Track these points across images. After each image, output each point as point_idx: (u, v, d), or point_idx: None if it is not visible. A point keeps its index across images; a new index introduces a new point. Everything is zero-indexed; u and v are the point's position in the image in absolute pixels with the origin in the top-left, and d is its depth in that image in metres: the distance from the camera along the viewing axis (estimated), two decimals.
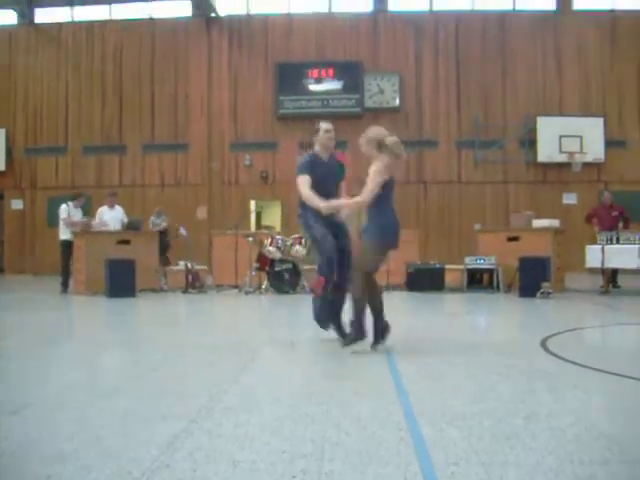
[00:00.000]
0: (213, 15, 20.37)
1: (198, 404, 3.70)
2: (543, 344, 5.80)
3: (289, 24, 20.53)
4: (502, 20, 20.25)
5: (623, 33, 20.09)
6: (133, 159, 20.61)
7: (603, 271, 11.92)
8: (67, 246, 12.36)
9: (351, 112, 19.73)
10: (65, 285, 12.39)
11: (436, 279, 12.19)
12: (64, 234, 12.48)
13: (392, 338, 5.59)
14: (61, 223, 12.54)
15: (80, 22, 21.10)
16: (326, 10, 20.74)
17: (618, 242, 11.45)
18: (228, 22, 20.69)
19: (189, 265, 12.48)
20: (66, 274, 12.45)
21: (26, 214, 21.08)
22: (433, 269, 12.31)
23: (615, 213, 12.81)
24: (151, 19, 20.90)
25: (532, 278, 10.82)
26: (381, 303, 5.59)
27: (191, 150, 20.50)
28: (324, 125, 6.10)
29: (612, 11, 20.30)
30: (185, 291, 12.16)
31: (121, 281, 11.19)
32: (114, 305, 10.19)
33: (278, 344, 6.19)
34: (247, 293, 11.83)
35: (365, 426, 3.25)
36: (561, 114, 19.80)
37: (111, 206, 12.96)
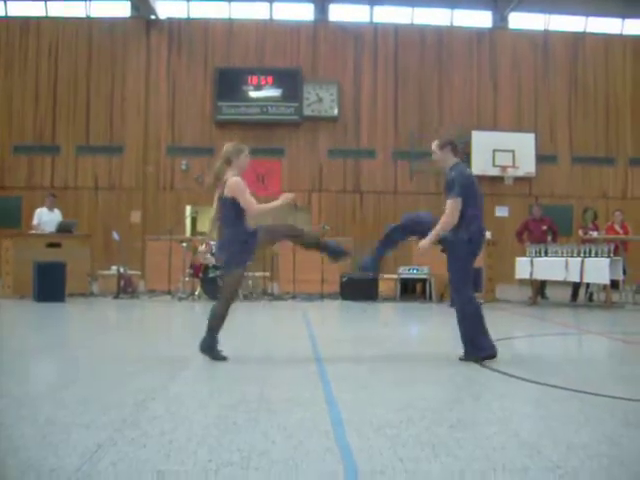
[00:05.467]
0: (153, 17, 20.11)
1: (123, 413, 3.63)
2: None
3: (230, 29, 20.44)
4: (440, 34, 20.64)
5: (555, 52, 20.76)
6: (66, 160, 20.10)
7: (532, 283, 12.25)
8: None
9: (289, 120, 19.77)
10: None
11: (370, 288, 12.29)
12: None
13: (323, 347, 5.61)
14: None
15: (15, 17, 20.51)
16: (267, 17, 20.74)
17: (546, 255, 11.79)
18: (168, 25, 20.46)
19: (121, 270, 12.26)
20: None
21: None
22: (367, 279, 12.40)
23: (544, 227, 13.17)
24: (89, 18, 20.50)
25: None
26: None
27: (126, 153, 20.14)
28: None
29: (546, 31, 20.96)
30: (116, 296, 11.92)
31: (50, 285, 10.91)
32: (41, 310, 9.92)
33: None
34: (180, 299, 11.69)
35: (292, 435, 3.24)
36: (495, 128, 20.27)
37: (50, 208, 12.72)
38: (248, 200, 5.47)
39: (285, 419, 3.54)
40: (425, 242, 5.75)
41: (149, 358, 5.64)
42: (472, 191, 5.81)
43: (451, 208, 5.70)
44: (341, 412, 3.71)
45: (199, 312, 10.43)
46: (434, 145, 5.95)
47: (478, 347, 5.51)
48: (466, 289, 5.69)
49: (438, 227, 5.72)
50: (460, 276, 5.74)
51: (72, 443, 3.07)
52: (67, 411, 3.67)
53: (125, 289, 12.10)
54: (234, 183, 5.45)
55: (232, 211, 5.48)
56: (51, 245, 11.96)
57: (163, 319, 9.77)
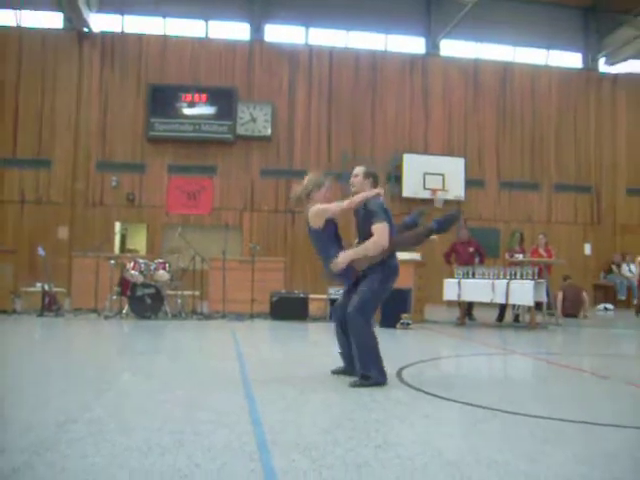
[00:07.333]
0: (86, 30, 19.79)
1: (43, 435, 3.52)
2: (399, 374, 5.97)
3: (164, 45, 20.29)
4: (374, 59, 20.99)
5: (485, 80, 21.38)
6: None
7: (459, 304, 12.50)
8: None
9: (223, 138, 19.69)
10: None
11: (300, 308, 12.30)
12: None
13: (251, 367, 5.56)
14: None
15: None
16: (203, 34, 20.69)
17: (474, 277, 12.06)
18: (101, 38, 20.15)
19: (46, 287, 11.93)
20: None
21: None
22: (297, 298, 12.42)
23: (471, 249, 13.48)
24: (19, 27, 20.02)
25: (393, 309, 11.12)
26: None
27: (54, 167, 19.66)
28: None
29: (476, 59, 21.58)
30: (41, 314, 11.59)
31: None
32: None
33: (135, 372, 6.01)
34: (106, 318, 11.44)
35: (216, 457, 3.21)
36: (426, 152, 20.69)
37: None
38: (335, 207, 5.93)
39: (210, 441, 3.50)
40: (344, 257, 5.53)
41: (72, 378, 5.50)
42: (392, 226, 5.73)
43: (381, 231, 5.53)
44: (267, 433, 3.69)
45: (126, 331, 10.24)
46: (359, 169, 5.95)
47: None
48: (367, 315, 5.55)
49: (366, 246, 5.56)
50: (367, 300, 5.54)
51: None
52: None
53: (50, 307, 11.77)
54: (314, 212, 5.76)
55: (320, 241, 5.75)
56: None
57: (88, 338, 9.53)
